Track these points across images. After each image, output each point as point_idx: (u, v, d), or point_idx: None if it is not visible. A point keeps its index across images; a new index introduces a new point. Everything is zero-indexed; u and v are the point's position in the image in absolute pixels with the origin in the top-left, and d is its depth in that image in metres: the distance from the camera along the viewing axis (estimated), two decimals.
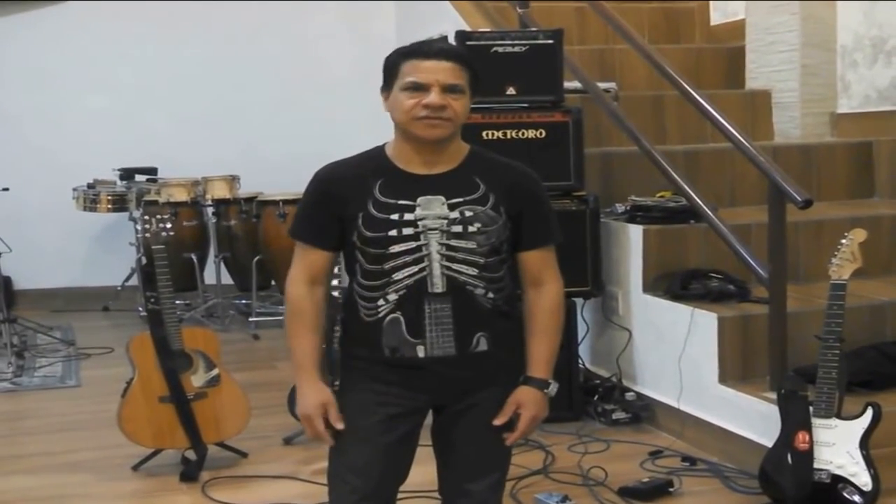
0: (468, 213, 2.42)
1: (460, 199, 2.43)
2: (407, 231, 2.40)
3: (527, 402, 2.51)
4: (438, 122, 2.38)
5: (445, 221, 2.41)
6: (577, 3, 6.64)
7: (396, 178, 2.45)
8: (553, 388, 2.55)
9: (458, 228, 2.41)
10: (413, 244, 2.40)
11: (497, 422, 2.50)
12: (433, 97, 2.36)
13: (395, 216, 2.41)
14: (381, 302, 2.43)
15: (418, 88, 2.38)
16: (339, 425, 2.47)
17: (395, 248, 2.40)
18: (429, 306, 2.41)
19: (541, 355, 2.53)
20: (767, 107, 6.21)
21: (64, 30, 7.66)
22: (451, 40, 4.80)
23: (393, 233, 2.40)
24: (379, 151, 2.51)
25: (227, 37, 7.86)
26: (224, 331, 6.66)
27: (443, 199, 2.42)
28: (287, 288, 2.53)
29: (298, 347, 2.51)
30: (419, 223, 2.40)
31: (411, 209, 2.41)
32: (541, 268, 2.53)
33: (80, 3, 7.63)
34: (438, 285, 2.41)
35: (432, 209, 2.41)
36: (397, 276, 2.41)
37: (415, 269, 2.40)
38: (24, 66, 7.64)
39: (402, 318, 2.41)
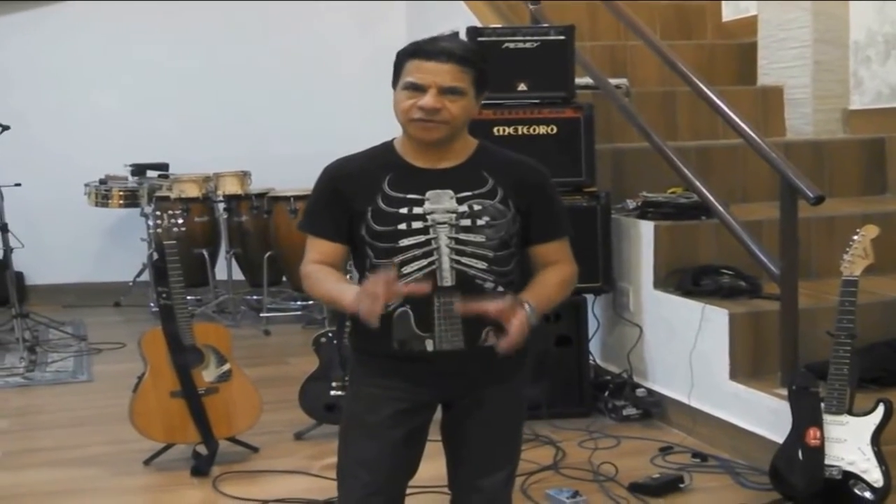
0: (476, 207, 2.42)
1: (469, 193, 2.43)
2: (416, 225, 2.41)
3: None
4: (433, 125, 2.39)
5: (454, 215, 2.41)
6: None
7: (405, 173, 2.45)
8: (534, 313, 2.39)
9: (466, 222, 2.41)
10: (422, 238, 2.41)
11: (462, 307, 2.36)
12: (427, 99, 2.36)
13: (404, 210, 2.41)
14: None
15: (416, 89, 2.38)
16: (405, 289, 2.31)
17: (405, 242, 2.41)
18: (438, 300, 2.41)
19: (535, 289, 2.46)
20: (779, 103, 6.20)
21: (76, 27, 7.69)
22: (463, 37, 4.80)
23: (402, 226, 2.41)
24: (388, 146, 2.52)
25: (239, 34, 7.87)
26: (235, 326, 6.67)
27: (451, 192, 2.43)
28: (301, 270, 2.52)
29: (331, 287, 2.44)
30: (428, 217, 2.41)
31: (420, 203, 2.42)
32: (553, 260, 2.54)
33: (92, 1, 7.64)
34: (447, 279, 2.41)
35: (441, 203, 2.42)
36: (407, 269, 2.41)
37: (424, 262, 2.41)
38: (34, 64, 7.66)
39: (411, 312, 2.42)
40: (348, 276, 4.03)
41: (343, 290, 2.41)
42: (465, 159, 2.48)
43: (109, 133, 7.63)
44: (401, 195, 2.43)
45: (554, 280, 2.53)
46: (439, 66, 2.38)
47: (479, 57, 2.47)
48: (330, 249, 2.50)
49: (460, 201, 2.42)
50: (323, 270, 2.49)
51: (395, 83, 2.45)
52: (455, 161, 2.47)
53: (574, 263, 2.57)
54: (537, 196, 2.51)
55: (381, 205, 2.42)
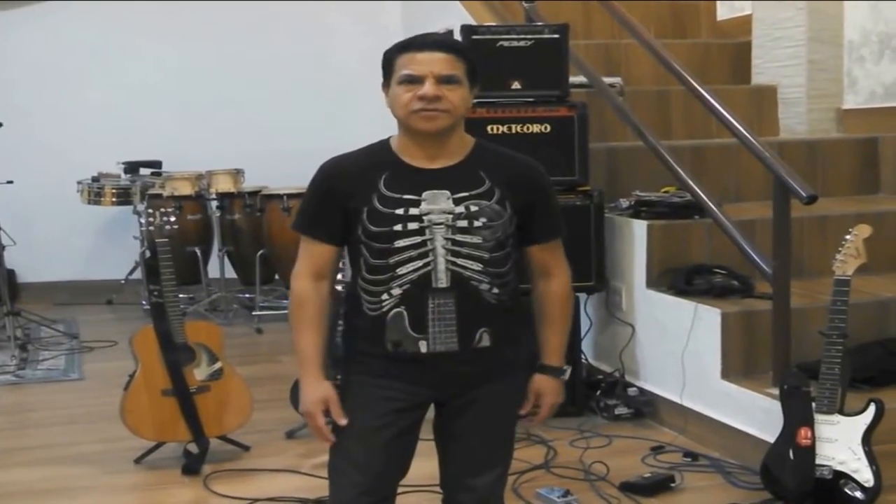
0: (473, 208, 2.41)
1: (466, 194, 2.42)
2: (412, 226, 2.39)
3: (546, 390, 2.59)
4: (435, 114, 2.38)
5: (451, 216, 2.40)
6: None
7: (402, 172, 2.44)
8: (568, 372, 2.64)
9: (463, 223, 2.40)
10: (418, 239, 2.39)
11: (523, 412, 2.59)
12: (427, 88, 2.36)
13: (400, 211, 2.40)
14: (385, 296, 2.42)
15: (413, 81, 2.37)
16: (342, 421, 2.47)
17: (400, 243, 2.39)
18: (432, 301, 2.40)
19: (554, 344, 2.59)
20: (773, 102, 6.21)
21: (69, 23, 7.67)
22: (457, 35, 4.80)
23: (398, 227, 2.39)
24: (384, 145, 2.51)
25: (233, 30, 7.86)
26: (227, 325, 6.66)
27: (448, 193, 2.41)
28: (292, 282, 2.52)
29: (302, 343, 2.51)
30: (424, 218, 2.39)
31: (416, 203, 2.40)
32: (549, 260, 2.54)
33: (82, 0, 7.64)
34: (443, 280, 2.40)
35: (437, 204, 2.41)
36: (402, 270, 2.40)
37: (419, 263, 2.40)
38: (29, 60, 7.64)
39: (405, 313, 2.41)
40: (340, 276, 4.04)
41: (306, 366, 2.52)
42: (462, 158, 2.47)
43: (102, 130, 7.61)
44: (397, 195, 2.41)
45: (562, 313, 2.60)
46: (432, 56, 2.38)
47: (468, 49, 2.49)
48: (323, 253, 2.49)
49: (457, 202, 2.41)
50: (307, 311, 2.50)
51: (385, 83, 2.45)
52: (452, 160, 2.46)
53: (568, 270, 2.58)
54: (534, 196, 2.50)
55: (377, 205, 2.41)
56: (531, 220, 2.49)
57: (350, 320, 2.54)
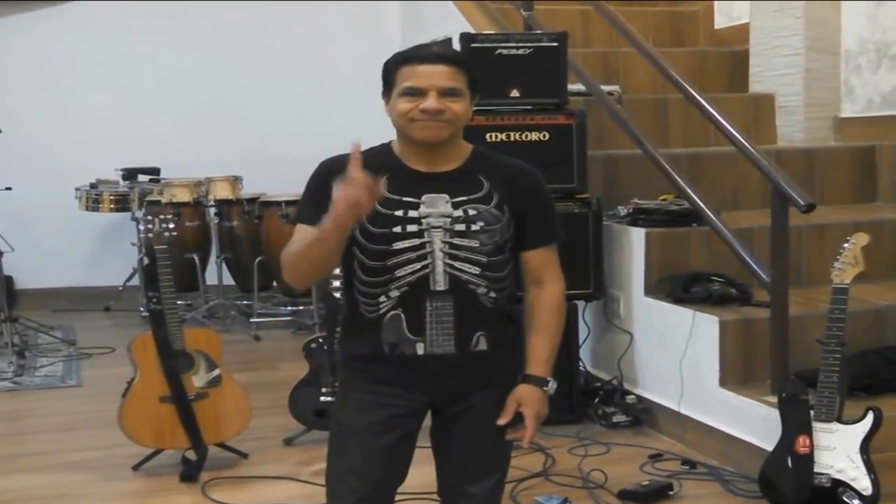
0: (472, 212, 2.42)
1: (464, 198, 2.43)
2: (411, 228, 2.40)
3: (527, 399, 2.50)
4: (437, 125, 2.38)
5: (448, 220, 2.41)
6: (581, 5, 6.63)
7: (402, 175, 2.44)
8: (552, 385, 2.54)
9: (461, 227, 2.41)
10: (416, 241, 2.40)
11: (501, 421, 2.48)
12: (430, 102, 2.36)
13: (399, 213, 2.41)
14: (382, 298, 2.42)
15: (416, 93, 2.37)
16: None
17: (399, 245, 2.40)
18: (430, 304, 2.41)
19: (540, 353, 2.52)
20: (771, 110, 6.21)
21: (68, 29, 7.68)
22: (456, 42, 4.81)
23: (397, 229, 2.40)
24: (386, 148, 2.51)
25: (232, 36, 7.87)
26: (225, 331, 6.65)
27: (447, 197, 2.42)
28: (281, 256, 2.41)
29: (305, 238, 2.35)
30: (423, 221, 2.40)
31: (416, 206, 2.41)
32: (543, 267, 2.53)
33: (84, 3, 7.65)
34: (440, 283, 2.41)
35: (436, 207, 2.41)
36: (400, 272, 2.40)
37: (417, 266, 2.40)
38: (28, 66, 7.65)
39: (402, 315, 2.41)
40: (338, 282, 4.04)
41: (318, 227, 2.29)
42: (462, 163, 2.48)
43: (101, 137, 7.62)
44: (396, 198, 2.41)
45: (551, 323, 2.53)
46: (434, 69, 2.37)
47: (468, 61, 2.48)
48: None
49: (456, 206, 2.42)
50: (298, 244, 2.37)
51: (386, 93, 2.44)
52: (451, 165, 2.47)
53: (562, 279, 2.56)
54: (531, 200, 2.50)
55: (377, 206, 2.40)
56: (527, 224, 2.49)
57: (346, 324, 2.54)
